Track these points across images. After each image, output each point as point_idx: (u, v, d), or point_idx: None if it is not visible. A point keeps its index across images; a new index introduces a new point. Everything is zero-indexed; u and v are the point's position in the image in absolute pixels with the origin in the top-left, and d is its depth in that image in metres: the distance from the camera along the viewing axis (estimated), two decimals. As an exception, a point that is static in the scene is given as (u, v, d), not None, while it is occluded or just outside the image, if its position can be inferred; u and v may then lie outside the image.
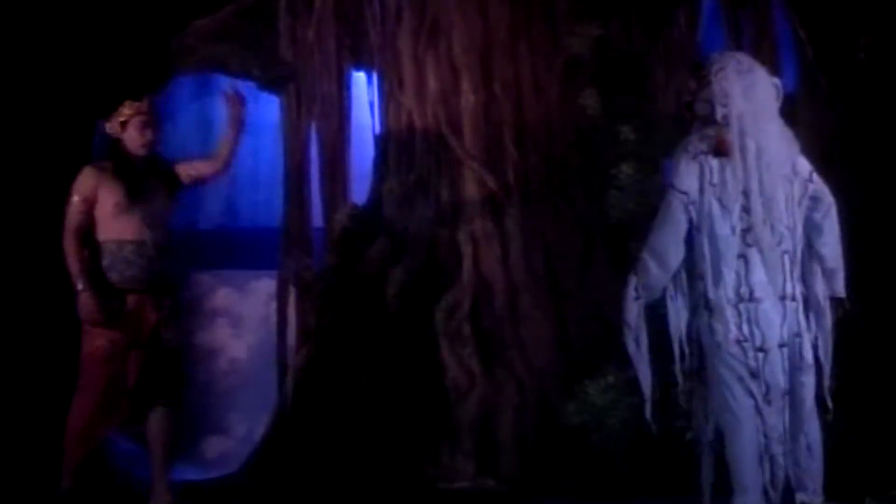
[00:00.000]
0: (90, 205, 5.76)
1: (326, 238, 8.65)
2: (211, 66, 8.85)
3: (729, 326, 4.89)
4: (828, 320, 5.06)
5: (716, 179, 4.97)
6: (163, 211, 5.91)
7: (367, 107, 8.85)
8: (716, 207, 4.96)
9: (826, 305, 5.06)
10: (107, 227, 5.77)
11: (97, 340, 5.70)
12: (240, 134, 6.00)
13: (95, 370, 5.70)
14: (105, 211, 5.76)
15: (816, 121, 7.69)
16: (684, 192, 4.97)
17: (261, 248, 9.12)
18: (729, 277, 4.91)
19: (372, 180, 8.69)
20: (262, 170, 9.33)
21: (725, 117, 4.99)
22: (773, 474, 4.89)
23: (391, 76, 8.60)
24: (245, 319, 9.44)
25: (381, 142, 8.66)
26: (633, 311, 5.03)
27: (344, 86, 8.89)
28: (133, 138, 5.85)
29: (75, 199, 5.77)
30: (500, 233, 8.13)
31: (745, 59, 5.21)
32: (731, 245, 4.94)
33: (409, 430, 7.79)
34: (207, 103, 9.34)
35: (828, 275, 5.06)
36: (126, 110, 5.87)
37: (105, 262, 5.74)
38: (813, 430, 4.98)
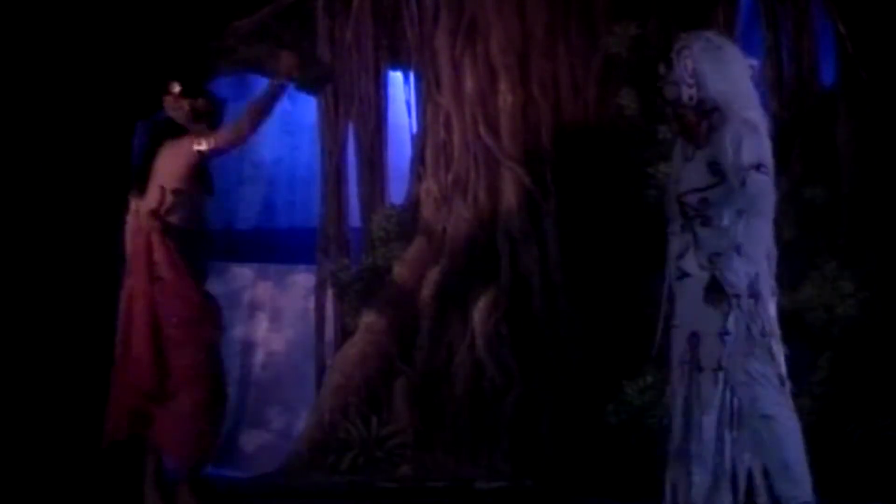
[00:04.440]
0: None
1: (364, 238, 8.67)
2: (249, 66, 8.88)
3: (774, 317, 4.61)
4: None
5: None
6: None
7: (404, 107, 8.88)
8: None
9: None
10: None
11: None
12: (265, 115, 5.78)
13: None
14: None
15: (856, 114, 7.67)
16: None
17: (298, 248, 9.15)
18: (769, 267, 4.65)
19: (409, 181, 8.73)
20: (300, 170, 9.36)
21: (691, 98, 4.58)
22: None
23: (428, 76, 8.62)
24: (284, 313, 9.47)
25: (419, 142, 8.69)
26: None
27: (381, 86, 8.91)
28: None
29: None
30: (537, 233, 8.15)
31: (714, 37, 4.78)
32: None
33: (446, 429, 7.83)
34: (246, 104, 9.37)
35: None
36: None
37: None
38: None
